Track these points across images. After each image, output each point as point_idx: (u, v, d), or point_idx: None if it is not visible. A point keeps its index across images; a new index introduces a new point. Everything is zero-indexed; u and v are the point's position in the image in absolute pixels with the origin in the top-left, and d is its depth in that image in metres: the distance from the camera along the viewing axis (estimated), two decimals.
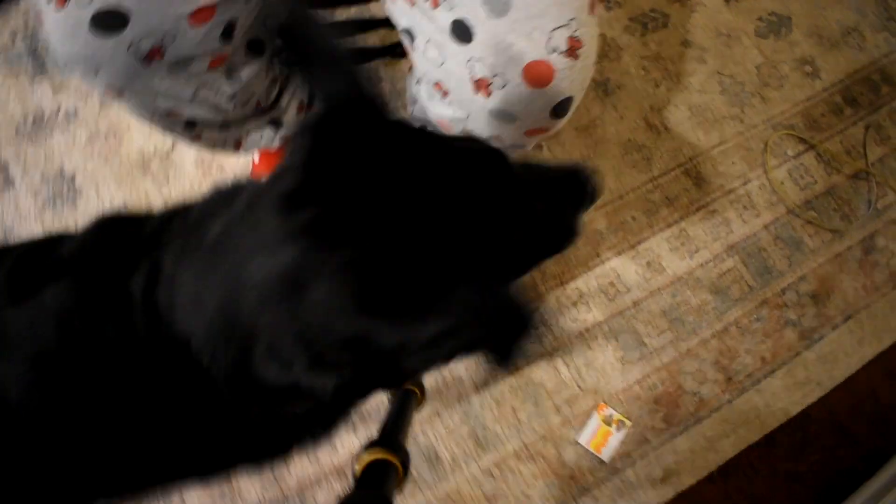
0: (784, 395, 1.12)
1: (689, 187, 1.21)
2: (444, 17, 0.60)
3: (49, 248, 0.47)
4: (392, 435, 0.59)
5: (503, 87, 0.60)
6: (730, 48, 1.29)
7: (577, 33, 0.57)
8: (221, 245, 0.38)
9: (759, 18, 1.32)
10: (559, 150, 1.22)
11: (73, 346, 0.40)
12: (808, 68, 1.31)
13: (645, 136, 1.23)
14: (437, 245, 0.34)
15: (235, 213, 0.39)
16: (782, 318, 1.16)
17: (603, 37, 1.29)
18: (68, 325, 0.40)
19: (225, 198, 0.43)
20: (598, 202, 1.06)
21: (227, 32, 0.67)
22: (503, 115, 0.64)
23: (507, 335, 0.35)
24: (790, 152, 1.26)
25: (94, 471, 0.44)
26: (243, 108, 0.82)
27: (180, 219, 0.44)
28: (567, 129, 1.23)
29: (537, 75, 0.58)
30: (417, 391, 0.78)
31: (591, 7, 0.59)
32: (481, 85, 0.61)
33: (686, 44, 1.28)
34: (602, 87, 1.26)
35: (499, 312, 0.34)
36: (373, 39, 1.16)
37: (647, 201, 1.20)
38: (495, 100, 0.62)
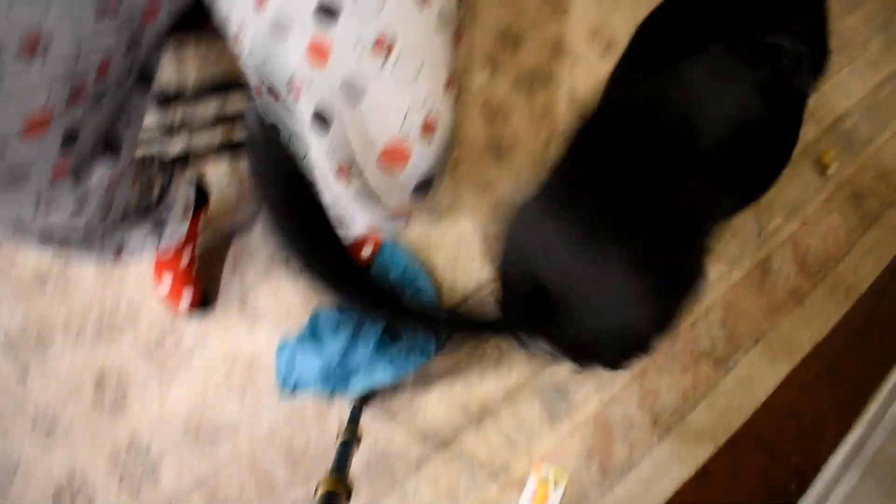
0: (710, 426, 1.14)
1: None
2: (306, 109, 0.58)
3: None
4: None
5: (360, 174, 0.60)
6: None
7: (431, 113, 0.57)
8: None
9: None
10: (463, 215, 1.24)
11: None
12: None
13: None
14: None
15: None
16: (696, 350, 1.19)
17: (491, 99, 1.34)
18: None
19: None
20: None
21: (70, 140, 0.60)
22: (364, 201, 0.64)
23: None
24: None
25: None
26: (103, 216, 0.73)
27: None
28: (467, 193, 1.26)
29: (392, 158, 0.58)
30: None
31: (448, 85, 0.59)
32: (342, 172, 0.60)
33: (573, 99, 1.34)
34: (496, 149, 1.30)
35: None
36: None
37: None
38: (354, 187, 0.61)
